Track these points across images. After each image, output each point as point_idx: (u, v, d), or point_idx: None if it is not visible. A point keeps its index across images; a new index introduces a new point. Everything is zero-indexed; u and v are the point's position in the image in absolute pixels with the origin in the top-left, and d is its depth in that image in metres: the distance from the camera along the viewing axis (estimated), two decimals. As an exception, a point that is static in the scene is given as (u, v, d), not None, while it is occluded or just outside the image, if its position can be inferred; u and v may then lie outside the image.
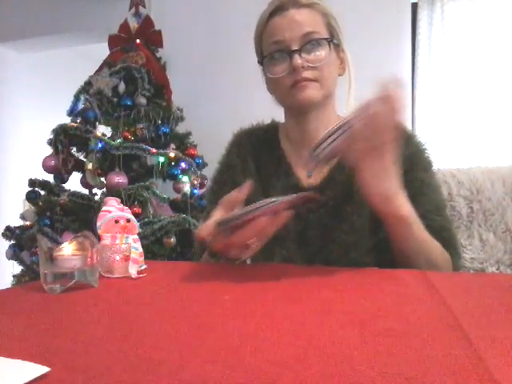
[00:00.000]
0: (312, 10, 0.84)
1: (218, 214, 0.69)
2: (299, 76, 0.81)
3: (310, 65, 0.82)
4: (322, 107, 0.87)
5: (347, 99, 0.90)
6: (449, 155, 2.26)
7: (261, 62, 0.89)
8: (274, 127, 0.99)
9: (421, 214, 0.79)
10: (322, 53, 0.82)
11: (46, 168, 2.23)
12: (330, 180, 0.87)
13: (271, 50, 0.85)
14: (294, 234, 0.85)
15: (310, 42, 0.82)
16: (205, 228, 0.66)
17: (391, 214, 0.70)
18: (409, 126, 2.30)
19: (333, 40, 0.85)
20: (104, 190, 2.24)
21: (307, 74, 0.82)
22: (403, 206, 0.70)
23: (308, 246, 0.85)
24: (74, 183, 2.31)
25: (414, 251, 0.74)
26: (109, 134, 2.29)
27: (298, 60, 0.81)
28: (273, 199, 0.59)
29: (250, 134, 0.99)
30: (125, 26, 2.46)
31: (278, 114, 0.99)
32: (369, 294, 0.53)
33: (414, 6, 2.42)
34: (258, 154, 0.95)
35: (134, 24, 2.46)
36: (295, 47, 0.81)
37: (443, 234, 0.81)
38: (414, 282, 0.60)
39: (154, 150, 2.13)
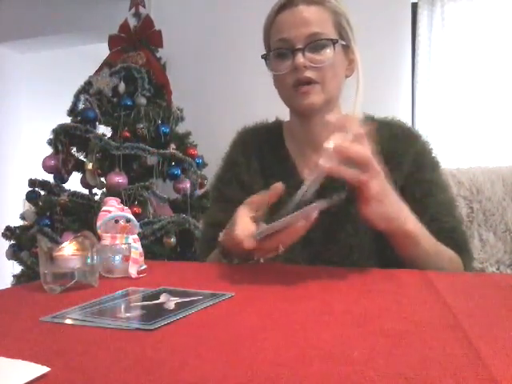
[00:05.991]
0: (322, 8, 0.81)
1: (243, 214, 0.67)
2: (301, 75, 0.80)
3: (313, 65, 0.80)
4: (326, 111, 0.85)
5: (354, 102, 0.87)
6: (449, 155, 2.26)
7: (266, 57, 0.87)
8: (278, 126, 0.97)
9: (431, 216, 0.77)
10: (326, 54, 0.80)
11: (46, 168, 2.23)
12: (334, 181, 0.87)
13: (276, 47, 0.83)
14: None
15: (314, 42, 0.80)
16: (246, 239, 0.63)
17: (395, 232, 0.69)
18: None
19: (339, 41, 0.82)
20: (104, 190, 2.24)
21: (309, 73, 0.80)
22: (407, 221, 0.68)
23: (311, 247, 0.83)
24: (74, 183, 2.31)
25: (422, 263, 0.72)
26: (109, 134, 2.29)
27: (300, 59, 0.79)
28: (305, 207, 0.60)
29: (254, 133, 0.97)
30: (125, 26, 2.45)
31: (279, 115, 0.98)
32: (369, 294, 0.53)
33: (414, 6, 2.41)
34: (262, 153, 0.93)
35: (134, 24, 2.46)
36: (299, 46, 0.80)
37: (454, 236, 0.79)
38: (414, 282, 0.60)
39: (154, 150, 2.13)
